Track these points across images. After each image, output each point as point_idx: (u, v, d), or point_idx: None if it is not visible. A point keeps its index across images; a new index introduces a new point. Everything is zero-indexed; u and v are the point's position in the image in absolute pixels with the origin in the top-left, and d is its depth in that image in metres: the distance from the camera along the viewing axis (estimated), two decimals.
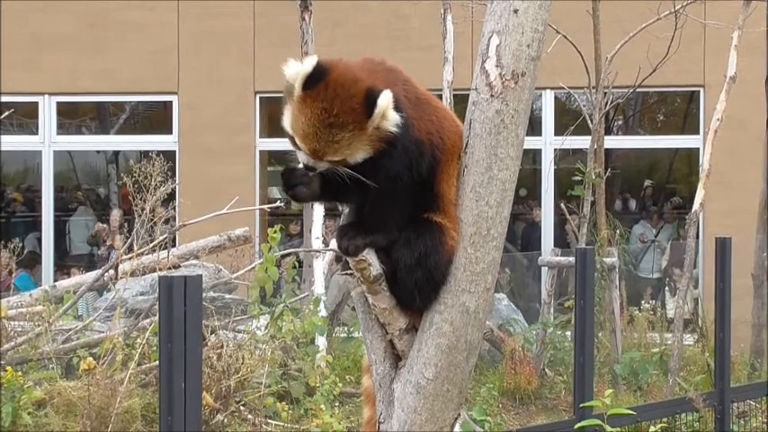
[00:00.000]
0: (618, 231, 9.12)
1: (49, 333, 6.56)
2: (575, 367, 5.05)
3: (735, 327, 6.28)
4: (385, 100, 2.40)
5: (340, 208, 2.78)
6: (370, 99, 2.40)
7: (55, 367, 6.39)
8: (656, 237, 12.20)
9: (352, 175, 2.47)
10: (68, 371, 6.53)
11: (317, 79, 2.43)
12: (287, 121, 2.49)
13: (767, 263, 8.90)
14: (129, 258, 7.13)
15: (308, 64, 2.44)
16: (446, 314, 2.57)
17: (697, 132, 11.48)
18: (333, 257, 7.59)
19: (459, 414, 2.67)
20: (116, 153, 13.43)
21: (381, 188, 2.50)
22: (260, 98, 11.85)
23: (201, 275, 2.71)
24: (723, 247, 5.87)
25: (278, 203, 9.83)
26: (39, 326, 6.62)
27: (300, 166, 2.53)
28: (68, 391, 6.01)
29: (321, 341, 7.44)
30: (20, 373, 6.06)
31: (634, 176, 13.28)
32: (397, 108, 2.46)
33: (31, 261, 11.40)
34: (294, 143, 2.49)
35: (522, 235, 12.30)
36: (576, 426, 4.37)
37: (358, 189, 2.53)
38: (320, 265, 7.89)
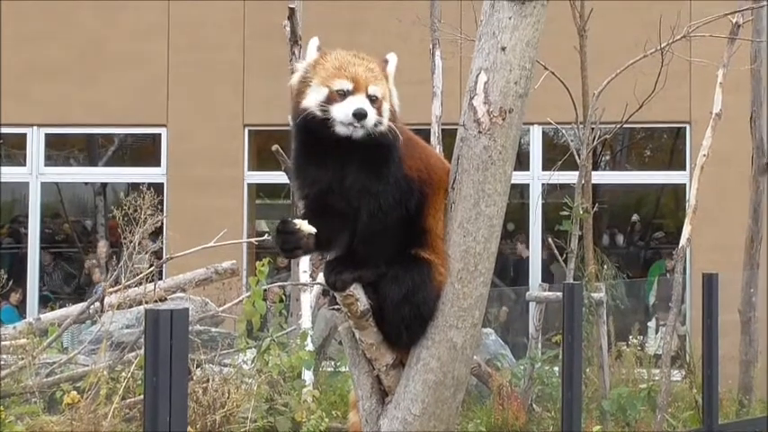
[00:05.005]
0: (605, 266, 9.12)
1: (32, 366, 6.49)
2: (562, 403, 5.02)
3: (722, 363, 6.27)
4: (395, 58, 2.70)
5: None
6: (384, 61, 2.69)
7: (38, 401, 6.31)
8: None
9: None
10: (51, 405, 6.44)
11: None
12: (296, 79, 2.62)
13: (754, 299, 8.92)
14: (116, 291, 7.08)
15: (316, 39, 2.72)
16: (433, 350, 2.56)
17: (683, 168, 11.55)
18: (320, 291, 7.56)
19: None
20: (104, 185, 13.39)
21: (370, 223, 2.51)
22: (249, 131, 11.86)
23: (188, 308, 2.69)
24: (710, 282, 5.87)
25: (265, 237, 9.81)
26: (22, 359, 6.55)
27: (348, 117, 2.52)
28: (51, 425, 5.93)
29: (308, 376, 7.39)
30: (1, 408, 5.98)
31: (621, 211, 13.32)
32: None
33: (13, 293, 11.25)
34: (310, 98, 2.56)
35: (510, 269, 12.29)
36: None
37: (348, 231, 2.56)
38: (308, 299, 7.85)
